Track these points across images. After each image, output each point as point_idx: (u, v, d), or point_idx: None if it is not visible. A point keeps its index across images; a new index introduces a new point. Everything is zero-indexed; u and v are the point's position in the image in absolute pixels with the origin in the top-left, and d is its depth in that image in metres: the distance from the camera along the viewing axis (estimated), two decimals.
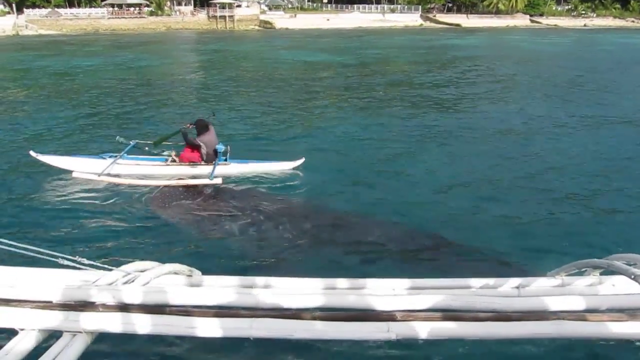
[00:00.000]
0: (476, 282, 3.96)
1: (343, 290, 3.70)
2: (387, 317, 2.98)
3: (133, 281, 3.42)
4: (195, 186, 10.22)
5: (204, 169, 10.71)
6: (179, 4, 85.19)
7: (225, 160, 11.05)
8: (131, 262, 3.85)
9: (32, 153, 10.87)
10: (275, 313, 2.96)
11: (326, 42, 56.77)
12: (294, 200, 9.95)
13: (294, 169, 11.20)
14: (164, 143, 11.26)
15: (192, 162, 10.84)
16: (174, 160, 11.04)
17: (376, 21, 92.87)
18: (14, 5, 74.17)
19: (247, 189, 10.38)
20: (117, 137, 11.25)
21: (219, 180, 10.18)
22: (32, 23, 72.71)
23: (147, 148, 11.11)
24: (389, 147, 14.07)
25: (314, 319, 2.92)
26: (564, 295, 3.50)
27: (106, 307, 2.93)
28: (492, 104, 21.12)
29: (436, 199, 10.28)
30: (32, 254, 3.37)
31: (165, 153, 11.19)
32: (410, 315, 3.00)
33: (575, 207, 9.91)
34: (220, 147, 10.88)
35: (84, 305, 2.93)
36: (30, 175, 11.00)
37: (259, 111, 18.95)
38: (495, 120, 17.80)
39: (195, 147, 10.82)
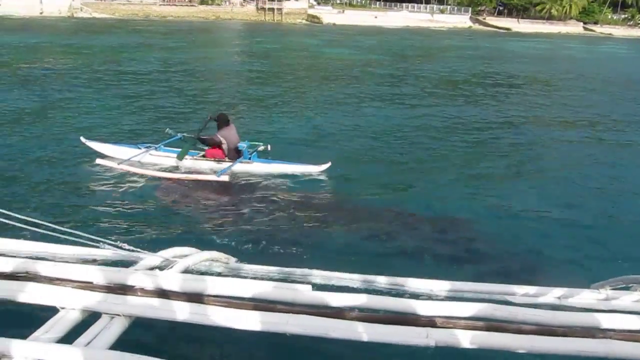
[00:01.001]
0: (517, 289, 3.83)
1: (381, 289, 3.63)
2: (426, 322, 2.90)
3: (172, 267, 3.42)
4: (209, 181, 10.22)
5: (227, 166, 10.63)
6: None
7: (250, 159, 10.96)
8: (169, 247, 3.86)
9: (82, 139, 11.28)
10: (312, 310, 2.91)
11: (372, 40, 56.60)
12: (323, 198, 9.92)
13: (319, 172, 10.96)
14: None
15: (217, 159, 10.89)
16: (203, 156, 11.10)
17: (424, 21, 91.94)
18: None
19: (276, 187, 10.35)
20: (167, 129, 11.48)
21: (225, 178, 10.12)
22: (87, 6, 74.48)
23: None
24: (427, 148, 13.91)
25: (351, 319, 2.86)
26: (612, 313, 3.34)
27: (145, 292, 2.93)
28: (539, 110, 20.67)
29: (472, 200, 10.18)
30: (74, 238, 3.41)
31: (200, 146, 11.20)
32: (450, 322, 2.91)
33: (620, 220, 9.62)
34: (242, 145, 10.83)
35: (123, 289, 2.93)
36: (76, 160, 11.27)
37: (295, 108, 18.90)
38: (540, 125, 17.41)
39: (216, 144, 10.80)
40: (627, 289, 3.80)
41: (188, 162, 10.95)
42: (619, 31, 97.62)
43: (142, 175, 10.33)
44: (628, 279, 3.73)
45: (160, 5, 79.90)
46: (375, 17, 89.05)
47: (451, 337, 2.78)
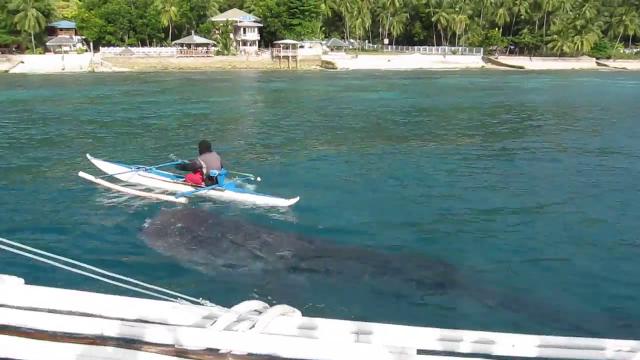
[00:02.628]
0: (608, 343, 3.42)
1: (469, 347, 3.26)
2: None
3: (254, 326, 3.08)
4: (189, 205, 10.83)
5: (191, 190, 11.28)
6: (245, 44, 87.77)
7: (223, 186, 11.29)
8: (241, 301, 3.53)
9: (87, 155, 12.52)
10: None
11: (385, 83, 57.06)
12: (297, 235, 9.34)
13: (288, 206, 10.78)
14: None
15: (194, 184, 11.43)
16: (184, 181, 11.70)
17: (437, 62, 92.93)
18: (91, 43, 78.65)
19: (256, 217, 10.33)
20: (171, 154, 12.51)
21: (183, 200, 10.74)
22: (107, 60, 76.86)
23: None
24: (429, 188, 13.09)
25: None
26: None
27: (236, 357, 2.60)
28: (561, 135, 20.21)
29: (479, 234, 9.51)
30: (145, 290, 3.10)
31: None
32: None
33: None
34: (214, 172, 11.16)
35: (212, 353, 2.60)
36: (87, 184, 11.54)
37: (298, 146, 19.00)
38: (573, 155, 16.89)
39: (197, 168, 11.30)
40: None
41: (167, 184, 11.73)
42: (633, 64, 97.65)
43: (120, 192, 11.12)
44: None
45: (178, 57, 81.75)
46: (389, 61, 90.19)
47: None
